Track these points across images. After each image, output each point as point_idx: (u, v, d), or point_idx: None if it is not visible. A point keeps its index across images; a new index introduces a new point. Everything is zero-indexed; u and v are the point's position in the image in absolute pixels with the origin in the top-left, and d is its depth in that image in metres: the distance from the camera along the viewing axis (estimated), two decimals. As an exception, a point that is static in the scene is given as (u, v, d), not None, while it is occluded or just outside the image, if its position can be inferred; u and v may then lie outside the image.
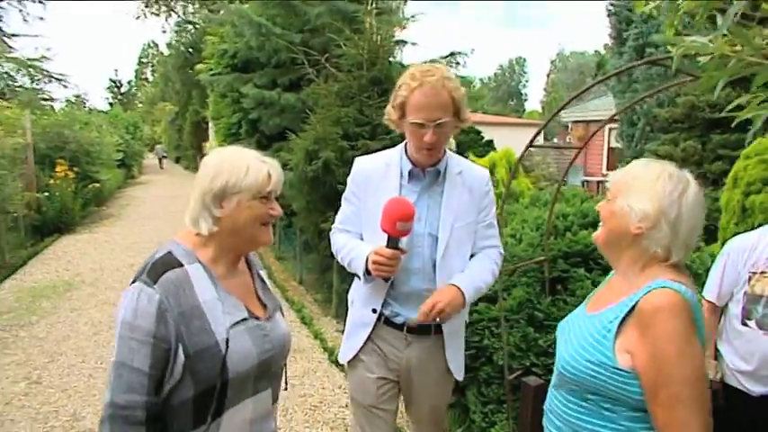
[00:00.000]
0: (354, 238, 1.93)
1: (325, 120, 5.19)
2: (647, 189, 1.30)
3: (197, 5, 27.88)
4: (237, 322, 1.28)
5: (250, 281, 1.44)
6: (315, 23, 6.70)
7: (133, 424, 1.16)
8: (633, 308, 1.24)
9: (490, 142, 17.42)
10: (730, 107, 1.29)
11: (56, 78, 18.58)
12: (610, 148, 15.55)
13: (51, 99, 16.37)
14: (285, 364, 1.50)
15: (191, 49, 25.17)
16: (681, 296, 1.21)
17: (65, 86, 20.04)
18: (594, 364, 1.26)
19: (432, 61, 7.24)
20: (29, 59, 17.49)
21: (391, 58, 6.68)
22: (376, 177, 1.88)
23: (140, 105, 53.74)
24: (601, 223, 1.40)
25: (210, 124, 16.75)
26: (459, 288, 1.75)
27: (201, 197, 1.30)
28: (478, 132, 19.94)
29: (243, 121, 8.04)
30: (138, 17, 30.41)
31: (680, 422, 1.17)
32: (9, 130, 8.63)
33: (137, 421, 1.16)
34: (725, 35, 1.10)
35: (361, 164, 1.96)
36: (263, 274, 1.52)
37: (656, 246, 1.29)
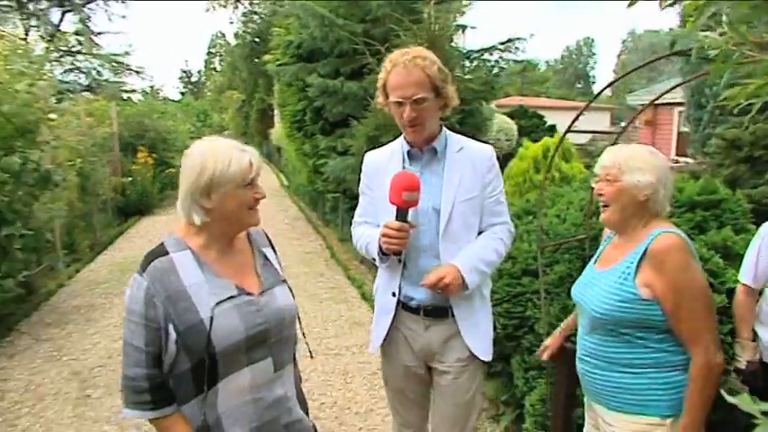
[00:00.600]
0: (372, 227, 1.99)
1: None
2: (645, 164, 1.64)
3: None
4: (223, 300, 1.38)
5: (250, 259, 1.54)
6: (376, 14, 6.93)
7: (140, 392, 1.37)
8: (644, 253, 1.60)
9: (552, 127, 17.14)
10: None
11: (135, 71, 19.90)
12: (679, 133, 14.95)
13: (132, 91, 17.59)
14: (303, 335, 1.63)
15: (257, 39, 25.98)
16: (680, 236, 1.60)
17: (143, 78, 21.43)
18: (624, 302, 1.61)
19: (490, 47, 7.35)
20: (112, 55, 18.80)
21: (451, 45, 6.84)
22: (383, 165, 1.96)
23: (209, 94, 55.82)
24: (606, 205, 1.71)
25: (276, 111, 17.40)
26: (458, 269, 1.79)
27: (190, 192, 1.39)
28: (541, 117, 19.52)
29: (307, 108, 8.41)
30: (207, 9, 31.61)
31: (700, 328, 1.56)
32: (99, 121, 9.42)
33: (142, 390, 1.36)
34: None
35: (370, 156, 2.06)
36: (268, 251, 1.62)
37: (656, 205, 1.66)
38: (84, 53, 18.19)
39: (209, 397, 1.39)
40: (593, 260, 1.90)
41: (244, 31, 28.30)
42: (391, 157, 1.96)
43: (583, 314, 1.80)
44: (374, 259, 1.93)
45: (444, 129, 1.95)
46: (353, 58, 7.02)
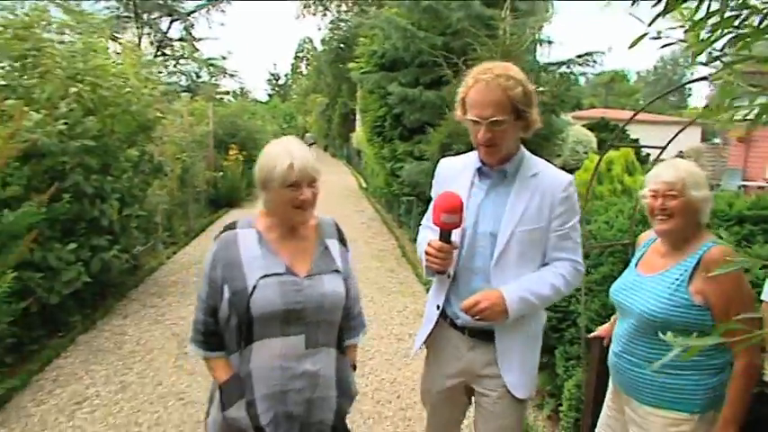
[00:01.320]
0: (433, 233, 1.93)
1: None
2: (701, 179, 1.84)
3: (350, 4, 29.85)
4: (269, 275, 1.61)
5: (310, 246, 1.74)
6: (455, 27, 7.31)
7: (197, 333, 1.72)
8: (698, 262, 1.77)
9: (635, 141, 16.84)
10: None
11: (229, 75, 21.34)
12: (776, 151, 14.06)
13: (226, 93, 18.92)
14: (340, 324, 1.76)
15: (342, 45, 26.98)
16: (730, 248, 1.88)
17: (236, 81, 22.97)
18: (677, 306, 1.76)
19: (567, 61, 7.51)
20: (209, 59, 20.31)
21: (531, 58, 7.08)
22: (453, 175, 1.92)
23: (295, 97, 57.99)
24: (669, 216, 1.84)
25: (358, 116, 18.12)
26: (502, 296, 1.72)
27: (256, 183, 1.68)
28: (624, 130, 19.03)
29: (387, 115, 8.91)
30: (297, 17, 33.18)
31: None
32: (198, 120, 10.41)
33: (199, 331, 1.71)
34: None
35: (444, 163, 2.04)
36: (332, 242, 1.79)
37: (705, 218, 1.86)
38: (186, 57, 19.75)
39: (245, 353, 1.64)
40: (633, 264, 2.04)
41: (330, 38, 29.46)
42: (463, 170, 1.91)
43: (626, 314, 1.93)
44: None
45: (523, 150, 1.85)
46: (432, 69, 7.44)
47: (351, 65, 10.49)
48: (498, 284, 1.75)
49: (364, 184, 16.48)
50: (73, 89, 4.25)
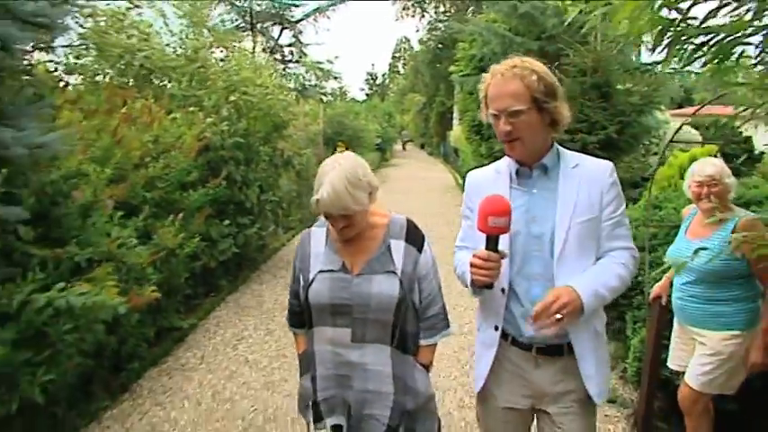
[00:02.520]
0: (470, 253, 1.74)
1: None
2: (729, 171, 2.57)
3: (447, 5, 30.42)
4: (324, 270, 1.78)
5: (372, 246, 1.80)
6: (551, 32, 7.81)
7: (288, 311, 2.00)
8: (734, 227, 2.45)
9: (747, 139, 16.12)
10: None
11: (334, 77, 22.81)
12: None
13: (330, 94, 20.33)
14: (396, 323, 1.76)
15: (440, 46, 27.66)
16: (755, 215, 2.55)
17: (339, 83, 24.41)
18: (726, 260, 2.46)
19: (662, 61, 7.69)
20: (316, 62, 21.87)
21: (621, 59, 7.40)
22: (486, 186, 1.79)
23: (392, 96, 59.20)
24: (711, 199, 2.55)
25: (456, 115, 18.77)
26: (575, 290, 1.59)
27: None
28: (734, 127, 18.15)
29: (484, 115, 9.55)
30: (396, 19, 34.29)
31: None
32: (312, 120, 11.61)
33: (288, 310, 2.00)
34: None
35: (473, 176, 1.92)
36: (396, 243, 1.80)
37: (730, 197, 2.58)
38: (296, 62, 21.40)
39: (310, 334, 1.86)
40: (682, 233, 2.77)
41: (428, 39, 30.23)
42: (497, 178, 1.81)
43: (686, 271, 2.61)
44: (471, 291, 1.77)
45: (557, 146, 1.77)
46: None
47: (451, 68, 11.18)
48: (563, 284, 1.62)
49: (461, 181, 17.11)
50: (232, 98, 5.37)
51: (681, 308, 2.70)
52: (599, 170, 1.73)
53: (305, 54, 22.24)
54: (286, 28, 22.34)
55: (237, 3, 20.06)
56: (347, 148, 13.36)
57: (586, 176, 1.71)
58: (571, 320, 1.59)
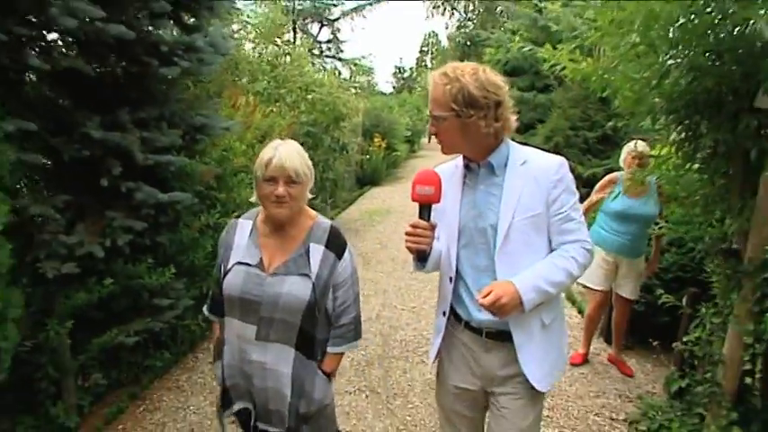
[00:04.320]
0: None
1: (559, 115, 7.80)
2: (648, 150, 3.77)
3: (477, 3, 31.60)
4: (241, 263, 1.80)
5: (292, 246, 1.80)
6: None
7: (210, 298, 2.00)
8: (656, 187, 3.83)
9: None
10: None
11: (366, 72, 24.29)
12: None
13: (363, 89, 21.82)
14: (303, 327, 1.78)
15: (468, 42, 28.89)
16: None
17: (370, 78, 25.89)
18: (655, 208, 3.85)
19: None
20: (353, 59, 23.38)
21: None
22: (446, 178, 1.83)
23: (419, 89, 60.03)
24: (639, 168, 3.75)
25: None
26: (515, 287, 1.65)
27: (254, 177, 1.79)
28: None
29: (506, 111, 10.99)
30: (426, 17, 35.59)
31: None
32: (353, 113, 13.09)
33: (210, 297, 2.00)
34: None
35: (440, 168, 1.95)
36: (315, 247, 1.80)
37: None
38: (334, 57, 22.96)
39: (223, 322, 1.88)
40: (620, 194, 3.82)
41: (456, 36, 31.45)
42: (454, 173, 1.90)
43: (632, 219, 3.79)
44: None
45: (508, 141, 1.82)
46: (544, 76, 9.37)
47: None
48: (504, 277, 1.71)
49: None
50: (309, 96, 6.91)
51: (620, 243, 3.79)
52: (547, 166, 1.77)
53: (341, 50, 23.82)
54: (324, 25, 23.92)
55: (283, 2, 21.74)
56: (383, 139, 14.85)
57: (533, 173, 1.76)
58: (511, 313, 1.67)
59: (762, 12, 1.92)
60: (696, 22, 2.20)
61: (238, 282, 1.77)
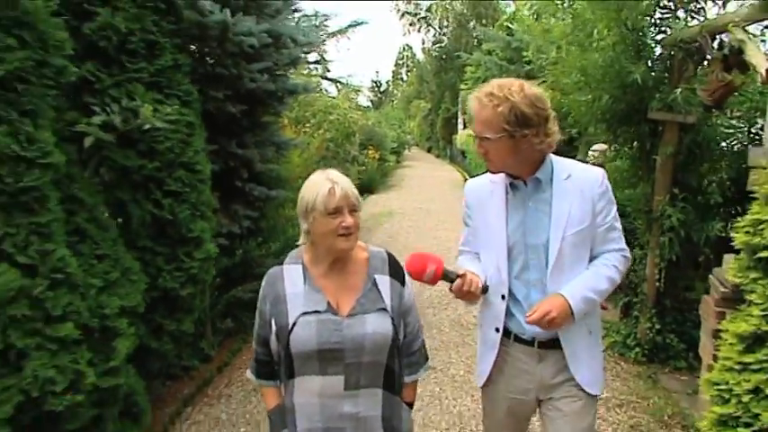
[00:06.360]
0: (470, 257, 1.98)
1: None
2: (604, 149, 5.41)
3: (450, 20, 33.42)
4: (308, 312, 1.61)
5: (358, 281, 1.69)
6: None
7: (254, 360, 1.80)
8: None
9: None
10: None
11: (354, 90, 25.90)
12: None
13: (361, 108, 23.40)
14: (388, 364, 1.68)
15: (444, 57, 30.62)
16: None
17: (357, 94, 27.52)
18: None
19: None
20: (337, 78, 25.03)
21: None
22: (483, 196, 1.89)
23: (395, 103, 61.55)
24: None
25: (460, 121, 21.78)
26: (566, 299, 1.71)
27: (298, 214, 1.67)
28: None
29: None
30: (404, 34, 37.36)
31: None
32: (359, 130, 14.63)
33: (254, 359, 1.79)
34: None
35: (471, 186, 2.00)
36: (381, 278, 1.72)
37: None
38: (322, 77, 24.52)
39: (289, 386, 1.68)
40: None
41: (431, 50, 33.18)
42: (493, 189, 1.88)
43: None
44: None
45: (551, 156, 1.82)
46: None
47: (461, 86, 14.23)
48: (555, 290, 1.75)
49: (468, 177, 20.06)
50: (331, 117, 8.44)
51: None
52: (591, 179, 1.79)
53: (328, 70, 25.38)
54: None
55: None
56: (377, 151, 16.39)
57: (578, 187, 1.77)
58: (562, 325, 1.73)
59: (640, 68, 3.51)
60: (610, 69, 3.77)
61: (312, 333, 1.60)
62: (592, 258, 1.83)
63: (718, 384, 2.01)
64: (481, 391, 2.04)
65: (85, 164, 2.85)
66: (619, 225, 1.86)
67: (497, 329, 1.88)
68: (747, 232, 2.04)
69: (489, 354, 1.92)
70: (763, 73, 2.74)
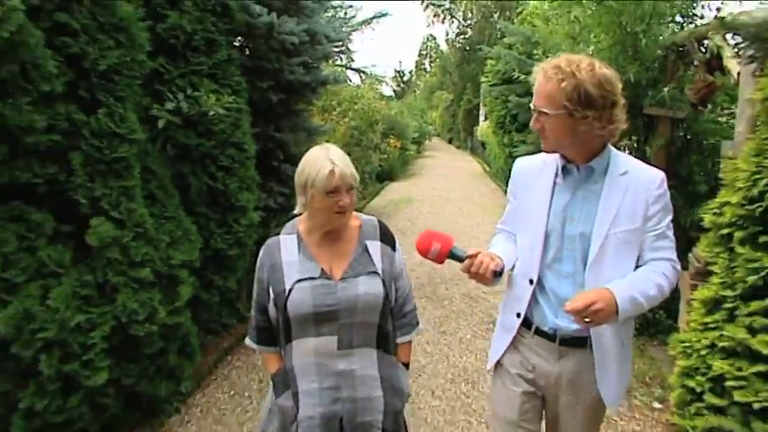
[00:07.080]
0: (504, 237, 1.94)
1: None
2: None
3: (475, 12, 33.53)
4: (304, 279, 1.71)
5: (350, 248, 1.79)
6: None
7: (252, 328, 1.88)
8: None
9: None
10: None
11: (378, 80, 26.31)
12: None
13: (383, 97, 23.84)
14: (380, 324, 1.78)
15: (467, 48, 30.82)
16: None
17: (380, 84, 27.90)
18: None
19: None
20: (361, 68, 25.43)
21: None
22: (532, 176, 1.83)
23: (417, 93, 61.64)
24: None
25: (482, 113, 22.09)
26: (613, 294, 1.56)
27: (296, 186, 1.74)
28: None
29: (507, 114, 12.93)
30: (428, 25, 37.59)
31: None
32: (382, 119, 15.10)
33: (253, 326, 1.88)
34: None
35: (520, 164, 1.93)
36: (372, 243, 1.81)
37: None
38: (347, 67, 24.98)
39: (287, 349, 1.78)
40: None
41: (455, 41, 33.37)
42: (543, 170, 1.81)
43: None
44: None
45: (610, 148, 1.71)
46: (537, 85, 11.35)
47: (482, 79, 14.54)
48: (594, 287, 1.62)
49: (488, 169, 20.43)
50: (356, 106, 8.94)
51: None
52: (648, 180, 1.69)
53: (352, 60, 25.80)
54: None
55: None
56: (398, 140, 16.86)
57: (633, 185, 1.67)
58: (604, 322, 1.57)
59: (634, 67, 3.95)
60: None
61: (307, 297, 1.70)
62: (639, 266, 1.71)
63: (683, 342, 2.41)
64: (492, 382, 1.99)
65: (154, 141, 3.42)
66: (671, 234, 1.73)
67: (519, 315, 1.81)
68: (715, 213, 2.41)
69: (506, 336, 1.87)
70: (735, 76, 3.17)
